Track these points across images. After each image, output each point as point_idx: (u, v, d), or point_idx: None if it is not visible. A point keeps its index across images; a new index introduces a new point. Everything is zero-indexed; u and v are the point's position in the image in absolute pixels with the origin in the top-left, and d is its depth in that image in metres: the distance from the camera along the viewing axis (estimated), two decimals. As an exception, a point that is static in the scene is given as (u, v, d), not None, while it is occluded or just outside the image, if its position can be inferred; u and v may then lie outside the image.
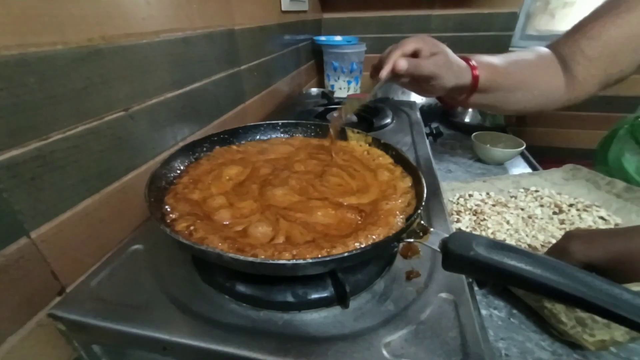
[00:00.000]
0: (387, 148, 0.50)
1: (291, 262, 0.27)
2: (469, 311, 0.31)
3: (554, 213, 0.61)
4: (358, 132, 0.54)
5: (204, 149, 0.50)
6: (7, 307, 0.31)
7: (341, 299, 0.32)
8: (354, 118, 0.84)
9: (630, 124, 0.71)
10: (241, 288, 0.33)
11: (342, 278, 0.31)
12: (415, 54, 0.48)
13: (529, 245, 0.53)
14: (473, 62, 0.52)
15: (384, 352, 0.28)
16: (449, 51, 0.50)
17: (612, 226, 0.56)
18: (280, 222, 0.35)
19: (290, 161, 0.48)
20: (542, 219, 0.59)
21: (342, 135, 0.56)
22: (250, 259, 0.28)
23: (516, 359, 0.39)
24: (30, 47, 0.31)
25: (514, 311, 0.45)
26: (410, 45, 0.47)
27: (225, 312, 0.32)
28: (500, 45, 1.28)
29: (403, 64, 0.45)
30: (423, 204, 0.35)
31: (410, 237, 0.30)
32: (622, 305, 0.20)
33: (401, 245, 0.39)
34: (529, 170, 0.86)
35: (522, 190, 0.68)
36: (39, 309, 0.34)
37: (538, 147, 1.03)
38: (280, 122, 0.58)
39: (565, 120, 1.44)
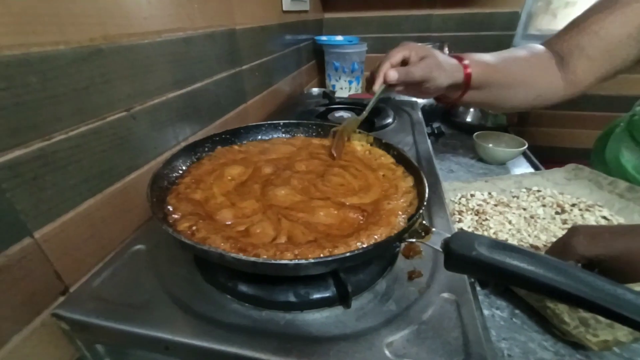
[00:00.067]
0: (388, 148, 0.50)
1: (293, 262, 0.27)
2: (471, 311, 0.31)
3: (557, 213, 0.60)
4: (360, 132, 0.54)
5: (206, 148, 0.50)
6: (11, 306, 0.32)
7: (343, 299, 0.32)
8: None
9: (626, 121, 0.72)
10: (243, 288, 0.33)
11: (344, 278, 0.31)
12: (404, 62, 0.50)
13: (531, 245, 0.53)
14: (465, 61, 0.53)
15: (386, 352, 0.28)
16: (438, 53, 0.51)
17: (615, 225, 0.56)
18: (282, 222, 0.35)
19: (292, 161, 0.48)
20: (544, 219, 0.59)
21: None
22: (252, 259, 0.28)
23: (518, 359, 0.39)
24: (32, 47, 0.31)
25: (517, 311, 0.45)
26: (397, 55, 0.49)
27: (227, 312, 0.32)
28: (502, 45, 1.28)
29: (393, 75, 0.47)
30: (425, 203, 0.35)
31: (412, 237, 0.30)
32: (624, 306, 0.20)
33: (403, 245, 0.39)
34: (531, 170, 0.86)
35: (524, 190, 0.68)
36: (42, 308, 0.35)
37: (540, 146, 1.03)
38: (281, 122, 0.58)
39: (567, 119, 1.43)
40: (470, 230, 0.58)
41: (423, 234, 0.30)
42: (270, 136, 0.57)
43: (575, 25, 0.56)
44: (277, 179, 0.43)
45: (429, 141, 0.72)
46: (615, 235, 0.37)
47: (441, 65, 0.49)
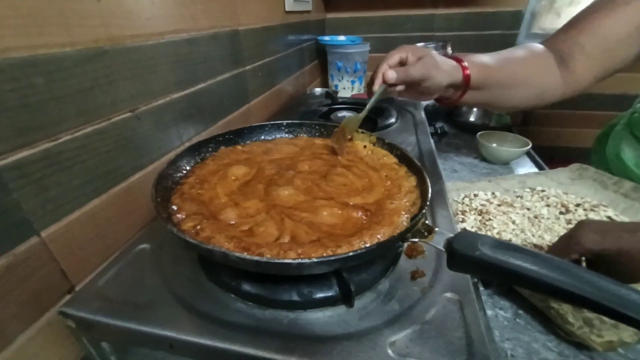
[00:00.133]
0: (391, 148, 0.50)
1: (296, 261, 0.28)
2: (474, 311, 0.31)
3: (561, 213, 0.60)
4: (362, 132, 0.54)
5: (210, 149, 0.50)
6: (18, 305, 0.32)
7: (346, 298, 0.32)
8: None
9: (627, 118, 0.72)
10: (247, 287, 0.33)
11: (347, 277, 0.31)
12: (402, 64, 0.51)
13: (535, 245, 0.53)
14: (464, 63, 0.54)
15: (389, 352, 0.28)
16: (435, 53, 0.52)
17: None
18: (286, 222, 0.36)
19: (295, 161, 0.48)
20: (548, 218, 0.59)
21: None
22: (256, 258, 0.28)
23: (522, 360, 0.39)
24: (39, 49, 0.32)
25: (520, 311, 0.45)
26: (394, 57, 0.50)
27: (231, 311, 0.33)
28: (506, 44, 1.27)
29: (392, 74, 0.48)
30: (428, 203, 0.35)
31: (415, 237, 0.30)
32: (629, 306, 0.20)
33: (406, 245, 0.39)
34: (535, 169, 0.86)
35: (528, 190, 0.68)
36: (48, 307, 0.35)
37: (544, 146, 1.03)
38: (284, 122, 0.58)
39: (571, 119, 1.42)
40: (473, 230, 0.58)
41: (426, 233, 0.30)
42: (274, 136, 0.58)
43: (575, 24, 0.56)
44: (280, 178, 0.44)
45: (432, 141, 0.72)
46: (625, 231, 0.37)
47: (439, 65, 0.50)
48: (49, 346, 0.35)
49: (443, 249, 0.28)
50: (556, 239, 0.53)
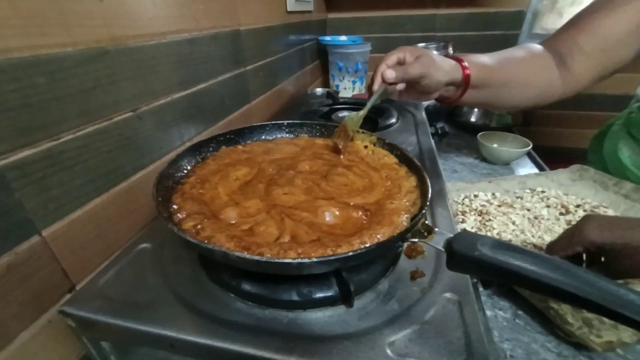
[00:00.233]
0: (391, 148, 0.50)
1: (296, 261, 0.28)
2: (473, 311, 0.31)
3: (561, 214, 0.60)
4: (363, 132, 0.54)
5: (210, 148, 0.50)
6: (19, 303, 0.32)
7: (346, 298, 0.32)
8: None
9: (624, 118, 0.73)
10: (247, 286, 0.34)
11: (347, 277, 0.32)
12: (400, 64, 0.51)
13: (535, 246, 0.53)
14: (464, 62, 0.54)
15: (388, 352, 0.28)
16: (434, 54, 0.53)
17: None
18: (286, 222, 0.36)
19: (296, 161, 0.49)
20: (548, 219, 0.59)
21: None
22: (256, 257, 0.28)
23: (521, 360, 0.39)
24: (40, 49, 0.32)
25: (520, 312, 0.45)
26: (392, 57, 0.51)
27: (231, 310, 0.33)
28: (507, 45, 1.26)
29: (390, 73, 0.49)
30: (428, 203, 0.35)
31: (415, 237, 0.31)
32: (627, 306, 0.20)
33: (406, 245, 0.40)
34: (535, 170, 0.86)
35: (528, 191, 0.68)
36: (49, 306, 0.35)
37: (545, 146, 1.02)
38: (285, 122, 0.58)
39: (573, 119, 1.42)
40: (473, 230, 0.58)
41: (426, 234, 0.30)
42: (274, 136, 0.58)
43: (574, 24, 0.56)
44: (281, 178, 0.44)
45: (432, 141, 0.72)
46: (632, 226, 0.37)
47: (437, 63, 0.51)
48: (50, 345, 0.36)
49: (443, 249, 0.28)
50: (556, 239, 0.53)
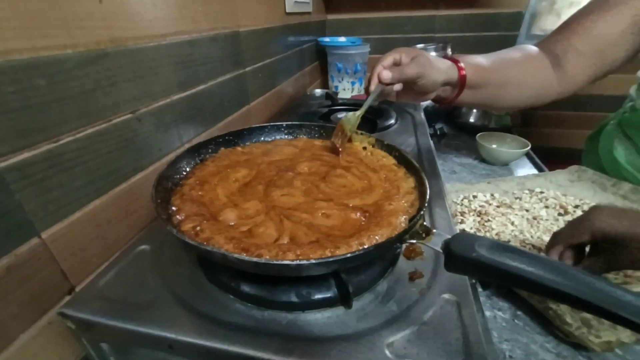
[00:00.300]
0: (390, 149, 0.50)
1: (295, 262, 0.28)
2: (472, 312, 0.31)
3: (560, 214, 0.60)
4: (361, 134, 0.54)
5: (209, 150, 0.50)
6: (19, 305, 0.32)
7: (344, 299, 0.33)
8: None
9: (618, 118, 0.74)
10: (246, 288, 0.34)
11: (345, 279, 0.32)
12: (397, 65, 0.52)
13: (534, 246, 0.53)
14: (461, 64, 0.55)
15: (387, 353, 0.28)
16: (430, 54, 0.53)
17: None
18: (285, 223, 0.36)
19: (295, 162, 0.49)
20: (547, 220, 0.59)
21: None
22: (255, 259, 0.28)
23: (520, 361, 0.39)
24: (41, 51, 0.32)
25: (519, 312, 0.45)
26: (388, 58, 0.51)
27: (230, 312, 0.33)
28: (506, 46, 1.27)
29: (387, 74, 0.49)
30: (426, 205, 0.35)
31: (413, 238, 0.31)
32: (624, 307, 0.20)
33: (404, 246, 0.40)
34: (534, 171, 0.86)
35: (526, 191, 0.68)
36: (49, 307, 0.35)
37: (544, 147, 1.03)
38: (284, 123, 0.59)
39: (571, 120, 1.42)
40: (472, 231, 0.58)
41: (424, 235, 0.30)
42: (273, 137, 0.58)
43: (569, 25, 0.57)
44: (280, 180, 0.44)
45: (431, 142, 0.72)
46: None
47: (433, 63, 0.51)
48: (49, 347, 0.36)
49: (440, 250, 0.28)
50: (555, 240, 0.53)
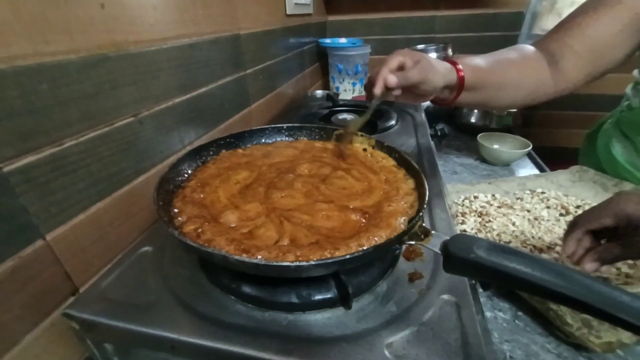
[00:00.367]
0: (390, 150, 0.51)
1: (294, 264, 0.28)
2: (471, 313, 0.31)
3: (561, 215, 0.60)
4: (361, 135, 0.55)
5: (211, 152, 0.51)
6: (23, 306, 0.33)
7: (344, 300, 0.33)
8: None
9: (616, 117, 0.74)
10: (247, 289, 0.34)
11: (345, 280, 0.32)
12: (400, 68, 0.52)
13: (535, 247, 0.53)
14: (459, 65, 0.55)
15: (386, 353, 0.28)
16: (431, 57, 0.54)
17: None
18: (285, 225, 0.36)
19: (295, 164, 0.49)
20: (548, 220, 0.59)
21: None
22: (255, 260, 0.29)
23: (520, 361, 0.39)
24: (44, 56, 0.32)
25: (519, 313, 0.45)
26: (394, 61, 0.51)
27: (231, 313, 0.33)
28: (507, 46, 1.28)
29: (392, 79, 0.49)
30: (425, 206, 0.35)
31: (412, 240, 0.31)
32: (620, 308, 0.20)
33: (404, 247, 0.40)
34: (535, 171, 0.86)
35: (528, 192, 0.68)
36: (53, 308, 0.36)
37: (545, 147, 1.03)
38: (284, 125, 0.59)
39: (573, 120, 1.42)
40: (473, 232, 0.58)
41: (422, 236, 0.31)
42: (274, 139, 0.58)
43: (565, 25, 0.58)
44: (280, 182, 0.44)
45: (432, 143, 0.73)
46: None
47: (434, 67, 0.52)
48: (53, 347, 0.36)
49: (439, 252, 0.28)
50: (556, 240, 0.53)
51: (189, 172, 0.46)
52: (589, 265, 0.39)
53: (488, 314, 0.45)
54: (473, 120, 1.08)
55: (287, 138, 0.59)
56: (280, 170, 0.47)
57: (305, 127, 0.59)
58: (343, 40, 1.34)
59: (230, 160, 0.50)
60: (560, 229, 0.56)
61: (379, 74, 0.51)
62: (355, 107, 0.97)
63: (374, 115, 0.84)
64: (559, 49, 0.57)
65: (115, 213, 0.43)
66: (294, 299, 0.33)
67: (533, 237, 0.55)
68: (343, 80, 1.28)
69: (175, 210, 0.38)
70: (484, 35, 1.33)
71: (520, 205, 0.63)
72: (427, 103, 1.06)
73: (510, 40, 1.29)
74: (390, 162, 0.49)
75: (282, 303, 0.33)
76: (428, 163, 0.63)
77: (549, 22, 1.31)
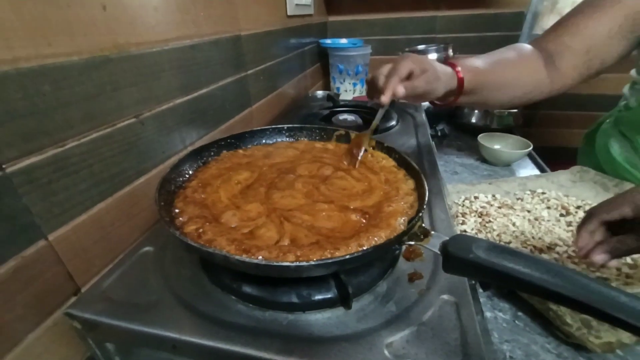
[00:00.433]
0: (390, 151, 0.51)
1: (294, 264, 0.28)
2: (470, 313, 0.32)
3: (561, 215, 0.60)
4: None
5: (212, 153, 0.51)
6: (26, 306, 0.33)
7: (344, 300, 0.33)
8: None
9: (614, 116, 0.75)
10: (247, 289, 0.34)
11: (345, 280, 0.32)
12: (408, 76, 0.53)
13: (535, 247, 0.53)
14: (458, 68, 0.56)
15: (386, 353, 0.28)
16: (436, 64, 0.54)
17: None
18: (285, 225, 0.36)
19: (295, 165, 0.49)
20: (548, 221, 0.59)
21: (347, 138, 0.57)
22: (255, 261, 0.29)
23: (520, 361, 0.39)
24: (47, 59, 0.33)
25: (519, 313, 0.45)
26: (404, 70, 0.51)
27: (232, 312, 0.33)
28: (507, 46, 1.28)
29: (401, 90, 0.50)
30: (424, 207, 0.35)
31: (412, 240, 0.31)
32: (618, 308, 0.20)
33: (404, 247, 0.40)
34: (536, 171, 0.86)
35: (528, 192, 0.68)
36: (55, 308, 0.36)
37: (546, 147, 1.03)
38: (285, 126, 0.59)
39: (573, 120, 1.42)
40: (473, 232, 0.58)
41: (422, 236, 0.31)
42: (275, 140, 0.58)
43: (562, 24, 0.59)
44: (281, 182, 0.44)
45: (432, 143, 0.73)
46: None
47: (439, 77, 0.53)
48: (55, 347, 0.36)
49: (438, 252, 0.28)
50: (556, 240, 0.53)
51: (190, 172, 0.46)
52: (599, 257, 0.38)
53: (488, 314, 0.45)
54: (474, 120, 1.08)
55: (287, 139, 0.59)
56: (281, 170, 0.48)
57: (306, 128, 0.60)
58: (344, 40, 1.34)
59: (231, 161, 0.50)
60: (560, 229, 0.56)
61: (389, 81, 0.51)
62: (356, 107, 0.97)
63: (374, 116, 0.84)
64: (557, 48, 0.58)
65: (116, 213, 0.43)
66: (295, 299, 0.33)
67: (533, 237, 0.55)
68: (344, 81, 1.28)
69: (177, 210, 0.38)
70: (485, 35, 1.33)
71: (521, 205, 0.63)
72: (427, 104, 1.06)
73: (511, 41, 1.27)
74: (390, 162, 0.49)
75: (283, 303, 0.33)
76: (428, 163, 0.63)
77: (550, 22, 1.30)
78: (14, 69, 0.30)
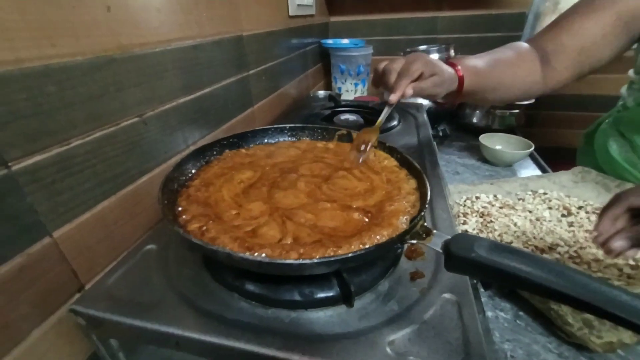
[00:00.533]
0: (392, 151, 0.51)
1: (297, 261, 0.28)
2: (472, 312, 0.32)
3: (563, 215, 0.60)
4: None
5: (214, 152, 0.51)
6: (30, 303, 0.33)
7: (346, 298, 0.33)
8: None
9: (613, 116, 0.75)
10: (250, 286, 0.34)
11: (347, 278, 0.32)
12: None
13: (536, 247, 0.53)
14: (459, 68, 0.58)
15: (388, 351, 0.29)
16: (443, 67, 0.56)
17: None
18: (288, 224, 0.36)
19: (297, 164, 0.49)
20: (550, 221, 0.59)
21: (349, 138, 0.57)
22: (258, 258, 0.29)
23: (522, 361, 0.39)
24: (51, 59, 0.33)
25: (521, 313, 0.45)
26: (416, 72, 0.53)
27: (235, 310, 0.34)
28: (509, 46, 1.28)
29: (410, 92, 0.52)
30: (426, 206, 0.36)
31: (414, 239, 0.31)
32: (619, 306, 0.20)
33: (406, 246, 0.40)
34: (538, 172, 0.86)
35: (529, 192, 0.68)
36: (59, 305, 0.36)
37: (547, 148, 1.02)
38: (287, 125, 0.59)
39: (575, 121, 1.41)
40: (475, 232, 0.58)
41: (424, 235, 0.31)
42: (277, 139, 0.59)
43: (558, 23, 0.60)
44: (283, 181, 0.45)
45: (434, 143, 0.73)
46: None
47: (445, 81, 0.55)
48: (59, 343, 0.37)
49: (440, 251, 0.29)
50: (558, 241, 0.53)
51: (193, 171, 0.47)
52: (618, 243, 0.36)
53: (489, 313, 0.45)
54: (475, 120, 1.08)
55: (289, 138, 0.59)
56: (283, 170, 0.48)
57: (308, 128, 0.60)
58: (345, 41, 1.34)
59: (233, 160, 0.50)
60: (561, 230, 0.56)
61: (400, 82, 0.52)
62: (357, 107, 0.98)
63: (376, 116, 0.84)
64: (552, 46, 0.59)
65: (120, 212, 0.43)
66: (297, 297, 0.33)
67: (535, 237, 0.55)
68: (345, 81, 1.28)
69: (180, 208, 0.38)
70: (487, 35, 1.33)
71: (522, 205, 0.63)
72: (429, 103, 1.07)
73: (512, 41, 1.29)
74: (392, 162, 0.49)
75: (285, 301, 0.33)
76: (430, 163, 0.63)
77: (551, 23, 1.30)
78: (18, 70, 0.30)
